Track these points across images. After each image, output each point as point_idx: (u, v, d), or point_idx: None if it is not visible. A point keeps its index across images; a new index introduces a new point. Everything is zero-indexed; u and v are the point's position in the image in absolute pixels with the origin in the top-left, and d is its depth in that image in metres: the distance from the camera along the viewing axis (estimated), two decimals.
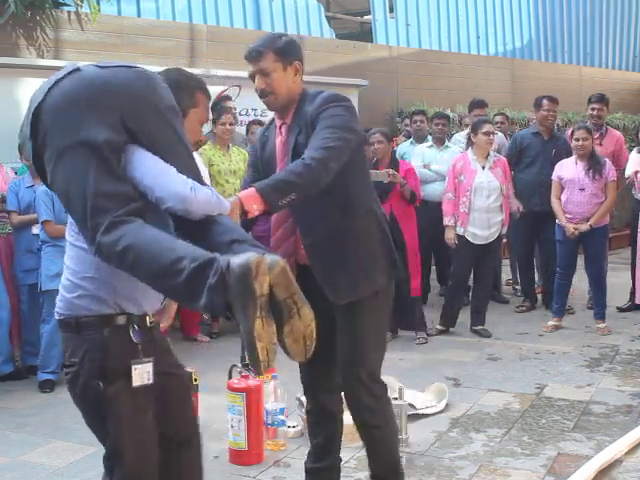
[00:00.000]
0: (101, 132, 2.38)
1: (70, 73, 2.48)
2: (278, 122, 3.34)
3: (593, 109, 7.98)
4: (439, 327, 7.12)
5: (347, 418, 4.65)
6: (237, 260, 2.12)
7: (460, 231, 6.89)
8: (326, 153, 3.05)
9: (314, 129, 3.14)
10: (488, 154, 6.90)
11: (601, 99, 8.00)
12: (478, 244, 6.90)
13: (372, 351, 3.35)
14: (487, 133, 6.80)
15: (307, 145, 3.12)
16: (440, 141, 8.04)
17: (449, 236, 6.93)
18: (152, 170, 2.45)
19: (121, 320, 2.52)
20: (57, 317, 2.58)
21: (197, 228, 2.49)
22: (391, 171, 6.44)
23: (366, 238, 3.32)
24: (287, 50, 3.23)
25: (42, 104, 2.46)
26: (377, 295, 3.34)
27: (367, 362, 3.33)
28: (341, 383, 3.42)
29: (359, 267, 3.29)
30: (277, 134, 3.35)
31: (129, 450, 2.53)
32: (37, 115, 2.46)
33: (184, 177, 2.46)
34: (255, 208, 2.93)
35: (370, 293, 3.31)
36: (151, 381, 2.54)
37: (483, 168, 6.83)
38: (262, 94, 3.24)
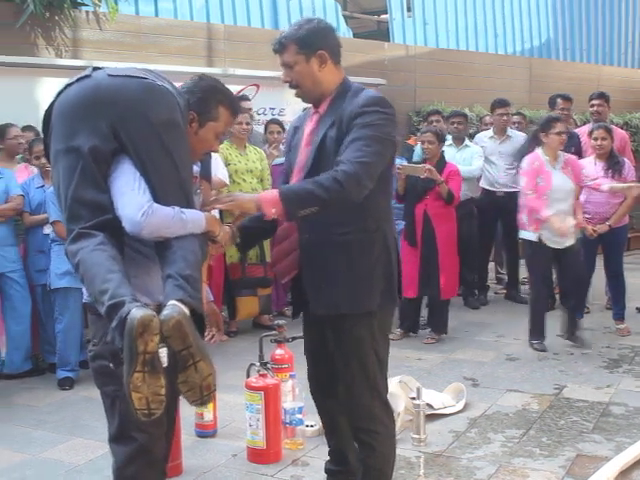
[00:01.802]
0: (89, 140, 2.56)
1: (80, 79, 2.66)
2: (313, 110, 3.22)
3: (593, 105, 7.97)
4: (533, 342, 6.63)
5: None
6: (133, 313, 2.29)
7: (533, 237, 6.41)
8: (360, 169, 2.87)
9: (349, 128, 2.97)
10: (558, 154, 6.45)
11: (601, 95, 8.01)
12: (555, 248, 6.40)
13: (362, 372, 3.14)
14: (560, 133, 6.32)
15: (337, 142, 2.98)
16: (459, 140, 8.01)
17: (559, 225, 6.14)
18: (120, 188, 2.58)
19: None
20: (83, 300, 2.86)
21: (157, 250, 2.66)
22: (428, 166, 6.43)
23: (367, 254, 3.08)
24: (310, 40, 3.05)
25: (52, 106, 2.67)
26: (370, 315, 3.11)
27: (357, 382, 3.15)
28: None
29: (349, 281, 3.07)
30: (308, 122, 3.23)
31: (137, 430, 2.63)
32: (48, 116, 2.69)
33: (143, 200, 2.56)
34: (273, 212, 2.86)
35: (354, 312, 3.09)
36: (166, 364, 2.65)
37: (554, 169, 6.40)
38: (290, 86, 3.14)
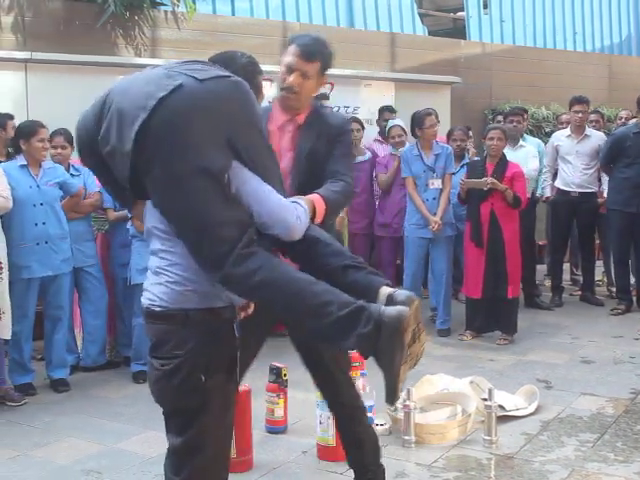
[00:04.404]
0: (216, 159, 2.41)
1: (174, 90, 2.43)
2: (282, 117, 3.41)
3: None
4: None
5: (433, 418, 4.64)
6: (391, 313, 2.31)
7: None
8: (353, 181, 3.37)
9: (335, 142, 3.33)
10: None
11: None
12: None
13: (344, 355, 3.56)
14: None
15: (326, 154, 3.31)
16: (514, 140, 7.71)
17: None
18: (256, 194, 2.50)
19: (228, 313, 2.56)
20: (158, 309, 2.55)
21: (301, 248, 2.61)
22: (489, 180, 6.39)
23: None
24: (328, 65, 3.34)
25: (150, 122, 2.40)
26: None
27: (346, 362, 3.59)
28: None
29: None
30: (275, 125, 3.40)
31: (210, 443, 2.57)
32: (144, 132, 2.41)
33: (288, 204, 2.54)
34: (319, 218, 2.98)
35: None
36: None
37: None
38: (288, 89, 3.30)
